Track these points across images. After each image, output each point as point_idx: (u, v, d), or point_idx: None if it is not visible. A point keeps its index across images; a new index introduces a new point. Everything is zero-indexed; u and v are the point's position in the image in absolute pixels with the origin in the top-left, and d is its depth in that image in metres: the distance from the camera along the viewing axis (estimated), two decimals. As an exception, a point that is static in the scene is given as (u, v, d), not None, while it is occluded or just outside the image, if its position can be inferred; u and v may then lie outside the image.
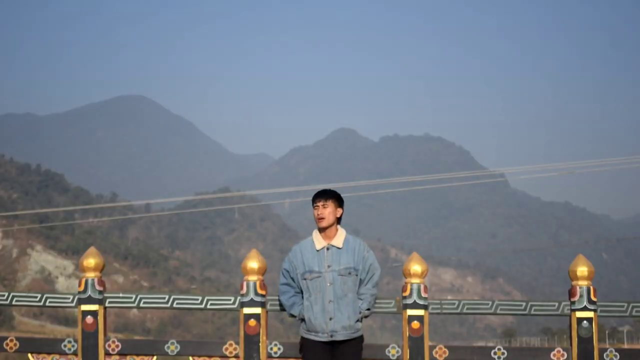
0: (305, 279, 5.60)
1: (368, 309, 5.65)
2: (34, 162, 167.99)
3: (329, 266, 5.57)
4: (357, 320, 5.58)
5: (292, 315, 5.74)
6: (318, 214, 5.63)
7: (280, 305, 6.16)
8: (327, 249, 5.63)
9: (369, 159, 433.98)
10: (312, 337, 5.56)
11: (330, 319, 5.49)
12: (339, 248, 5.62)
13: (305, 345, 5.63)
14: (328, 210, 5.63)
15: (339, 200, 5.70)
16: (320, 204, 5.64)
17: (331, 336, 5.49)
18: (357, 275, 5.59)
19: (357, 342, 5.60)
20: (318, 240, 5.67)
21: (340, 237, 5.67)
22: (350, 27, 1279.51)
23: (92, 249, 6.61)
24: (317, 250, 5.64)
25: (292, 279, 5.71)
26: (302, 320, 5.64)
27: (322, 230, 5.67)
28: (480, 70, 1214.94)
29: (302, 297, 5.67)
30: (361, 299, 5.61)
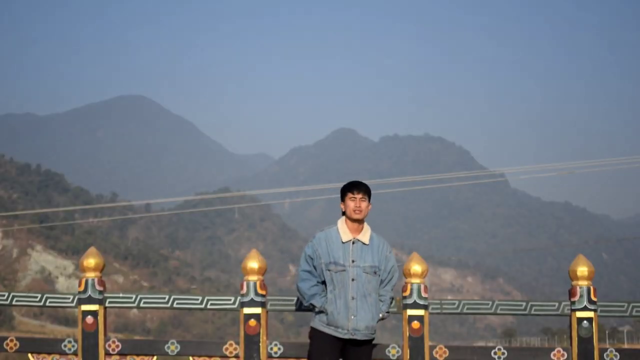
0: (329, 270, 5.35)
1: (387, 312, 5.56)
2: (34, 162, 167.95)
3: (353, 261, 5.36)
4: (377, 322, 5.48)
5: (312, 305, 5.44)
6: (356, 206, 5.39)
7: (298, 301, 6.14)
8: (353, 242, 5.41)
9: (369, 159, 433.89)
10: (330, 331, 5.35)
11: (353, 316, 5.30)
12: (365, 244, 5.43)
13: (317, 336, 5.42)
14: (365, 204, 5.41)
15: (370, 196, 5.51)
16: (358, 196, 5.39)
17: (352, 334, 5.31)
18: (379, 275, 5.44)
19: (371, 344, 5.53)
20: (344, 232, 5.43)
21: (366, 233, 5.47)
22: (350, 27, 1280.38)
23: (92, 249, 6.61)
24: (343, 243, 5.41)
25: (314, 267, 5.44)
26: (320, 312, 5.40)
27: (352, 221, 5.44)
28: (481, 71, 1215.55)
29: (325, 288, 5.43)
30: (382, 301, 5.48)
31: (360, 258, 5.38)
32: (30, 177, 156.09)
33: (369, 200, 5.48)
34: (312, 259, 5.45)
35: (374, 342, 5.61)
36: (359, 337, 5.33)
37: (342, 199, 5.47)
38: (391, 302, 5.67)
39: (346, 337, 5.32)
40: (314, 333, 5.46)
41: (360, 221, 5.44)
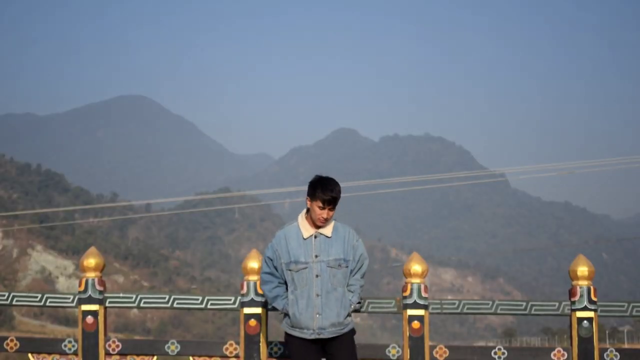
0: (290, 270, 5.14)
1: (359, 302, 5.36)
2: (34, 162, 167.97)
3: (316, 256, 5.12)
4: (347, 315, 5.20)
5: (275, 309, 5.31)
6: (323, 217, 5.14)
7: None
8: (315, 237, 5.17)
9: (369, 159, 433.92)
10: (296, 333, 5.14)
11: (318, 314, 5.07)
12: (327, 237, 5.18)
13: (290, 341, 5.23)
14: (332, 214, 5.17)
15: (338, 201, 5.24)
16: (328, 207, 5.12)
17: (318, 334, 5.09)
18: (347, 266, 5.18)
19: (348, 336, 5.23)
20: (305, 228, 5.21)
21: (329, 225, 5.22)
22: (350, 27, 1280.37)
23: (92, 249, 6.61)
24: (304, 239, 5.18)
25: (276, 268, 5.24)
26: (286, 314, 5.21)
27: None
28: (481, 71, 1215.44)
29: (286, 288, 5.23)
30: (351, 291, 5.24)
31: (324, 252, 5.15)
32: (30, 177, 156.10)
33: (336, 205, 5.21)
34: (271, 260, 5.26)
35: (355, 334, 5.36)
36: (325, 335, 5.10)
37: (311, 197, 5.16)
38: (362, 291, 5.43)
39: (312, 337, 5.10)
40: (286, 337, 5.29)
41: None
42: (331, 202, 5.12)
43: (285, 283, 5.24)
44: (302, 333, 5.13)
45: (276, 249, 5.23)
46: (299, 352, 5.17)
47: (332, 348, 5.19)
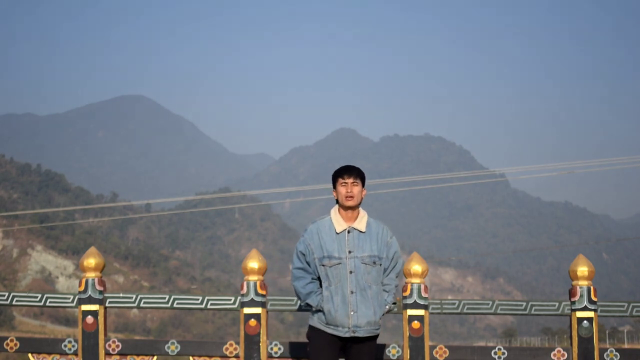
0: (323, 265, 4.97)
1: (394, 303, 5.18)
2: (34, 162, 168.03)
3: (350, 252, 4.97)
4: (382, 315, 5.06)
5: (308, 305, 5.05)
6: (347, 192, 5.01)
7: (294, 295, 5.81)
8: (348, 232, 5.02)
9: (369, 159, 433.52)
10: (330, 330, 4.95)
11: (353, 312, 4.90)
12: (361, 232, 5.04)
13: (316, 335, 5.03)
14: (357, 189, 5.04)
15: (364, 180, 5.14)
16: (349, 180, 5.03)
17: (354, 332, 4.92)
18: (381, 265, 5.03)
19: (374, 340, 5.08)
20: (338, 222, 5.04)
21: (362, 219, 5.09)
22: (350, 27, 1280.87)
23: (92, 249, 6.62)
24: (337, 233, 5.01)
25: (308, 263, 5.04)
26: (318, 311, 5.01)
27: (346, 209, 5.06)
28: (481, 71, 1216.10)
29: (320, 284, 5.05)
30: (386, 291, 5.07)
31: (358, 248, 5.00)
32: (30, 177, 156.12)
33: (363, 185, 5.11)
34: (304, 255, 5.07)
35: (377, 337, 5.25)
36: (360, 334, 4.93)
37: (334, 186, 5.10)
38: (396, 291, 5.28)
39: (347, 335, 4.92)
40: (313, 332, 5.05)
41: (354, 208, 5.07)
42: (352, 174, 5.07)
43: (318, 278, 5.06)
44: (337, 330, 4.94)
45: (309, 244, 5.05)
46: (322, 344, 5.00)
47: (353, 350, 5.04)
